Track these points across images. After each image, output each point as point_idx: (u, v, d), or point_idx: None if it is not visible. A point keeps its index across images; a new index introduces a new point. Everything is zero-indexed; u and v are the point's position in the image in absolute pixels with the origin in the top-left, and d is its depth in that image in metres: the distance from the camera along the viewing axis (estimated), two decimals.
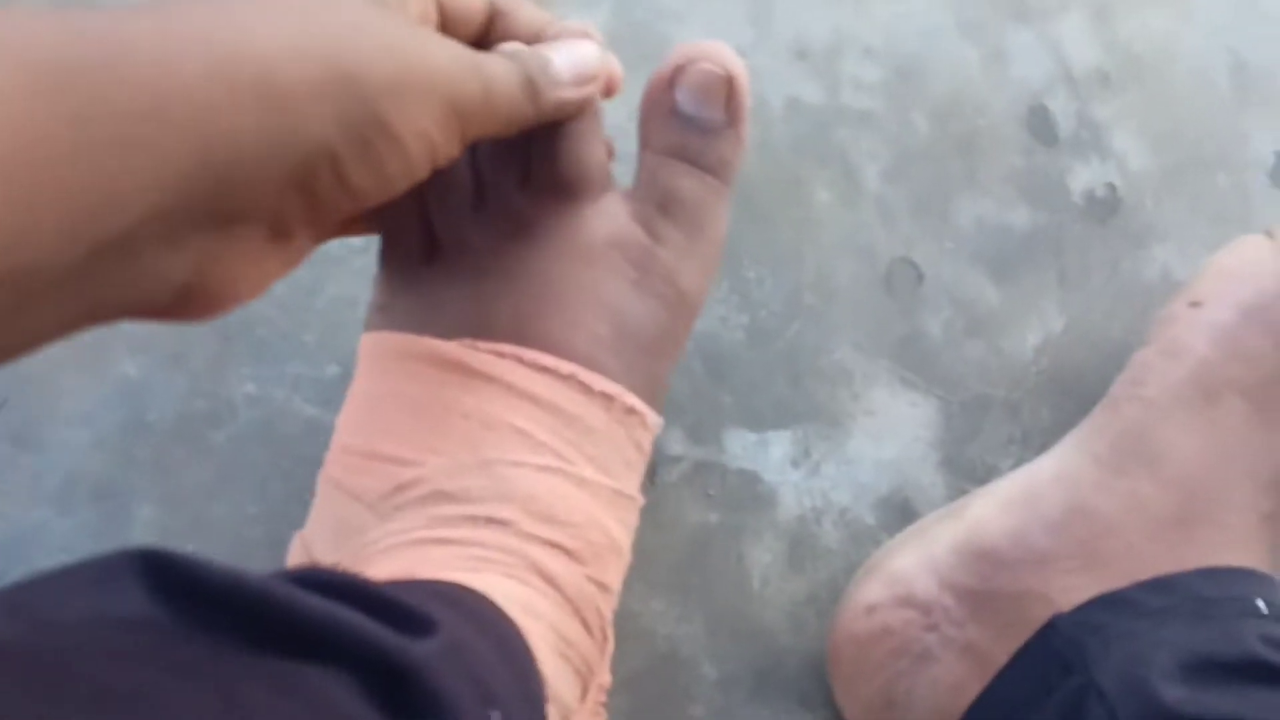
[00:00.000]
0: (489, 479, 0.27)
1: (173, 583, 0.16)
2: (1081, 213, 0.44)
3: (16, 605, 0.14)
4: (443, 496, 0.27)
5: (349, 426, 0.30)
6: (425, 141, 0.22)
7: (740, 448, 0.40)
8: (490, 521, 0.27)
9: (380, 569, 0.26)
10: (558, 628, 0.27)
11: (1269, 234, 0.36)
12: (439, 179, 0.27)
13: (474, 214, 0.30)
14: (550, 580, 0.27)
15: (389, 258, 0.31)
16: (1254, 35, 0.48)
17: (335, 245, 0.39)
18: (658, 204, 0.30)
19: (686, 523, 0.38)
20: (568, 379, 0.28)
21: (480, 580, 0.26)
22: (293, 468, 0.36)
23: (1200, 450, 0.32)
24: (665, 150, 0.30)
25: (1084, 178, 0.45)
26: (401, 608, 0.19)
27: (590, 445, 0.29)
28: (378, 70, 0.20)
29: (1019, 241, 0.44)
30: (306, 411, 0.37)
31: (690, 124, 0.30)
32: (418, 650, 0.18)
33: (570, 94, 0.27)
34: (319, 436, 0.36)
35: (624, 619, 0.37)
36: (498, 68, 0.24)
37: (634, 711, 0.36)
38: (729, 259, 0.41)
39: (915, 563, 0.34)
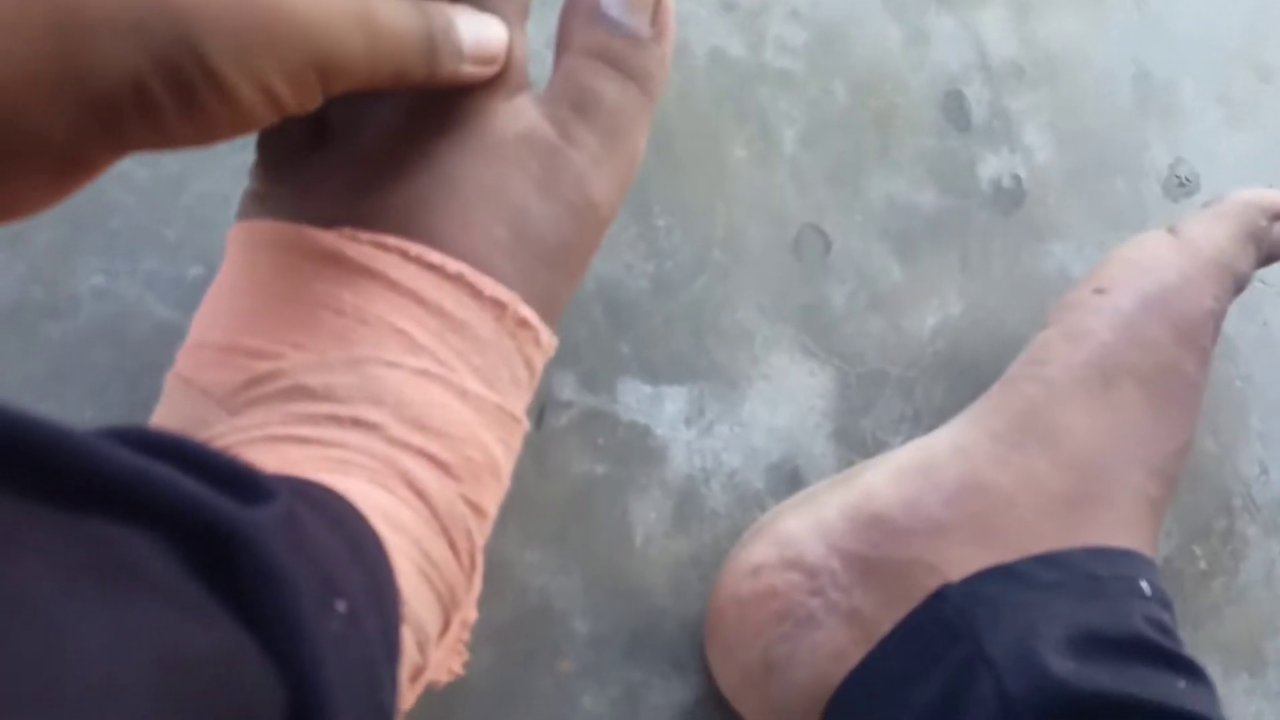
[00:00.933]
0: (358, 377, 0.24)
1: None
2: (988, 201, 0.44)
3: None
4: (304, 392, 0.24)
5: (205, 321, 0.27)
6: (267, 96, 0.20)
7: (634, 399, 0.38)
8: (356, 423, 0.24)
9: None
10: (422, 545, 0.24)
11: (1171, 230, 0.37)
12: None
13: (371, 98, 0.27)
14: (419, 493, 0.24)
15: (268, 141, 0.28)
16: (1158, 50, 0.50)
17: None
18: (573, 104, 0.28)
19: (571, 472, 0.36)
20: (455, 279, 0.26)
21: (340, 484, 0.23)
22: (139, 372, 0.32)
23: (1095, 432, 0.31)
24: (586, 51, 0.28)
25: (993, 166, 0.45)
26: (235, 471, 0.17)
27: (476, 355, 0.26)
28: (211, 9, 0.18)
29: (926, 222, 0.43)
30: (160, 313, 0.33)
31: (616, 29, 0.28)
32: (247, 516, 0.15)
33: (468, 71, 0.25)
34: (172, 341, 0.31)
35: (496, 568, 0.34)
36: (397, 20, 0.22)
37: (499, 664, 0.34)
38: (639, 205, 0.39)
39: (805, 526, 0.33)
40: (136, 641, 0.13)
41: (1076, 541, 0.30)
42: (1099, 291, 0.34)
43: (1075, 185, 0.46)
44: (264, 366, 0.25)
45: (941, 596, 0.29)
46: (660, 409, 0.38)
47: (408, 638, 0.22)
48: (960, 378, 0.41)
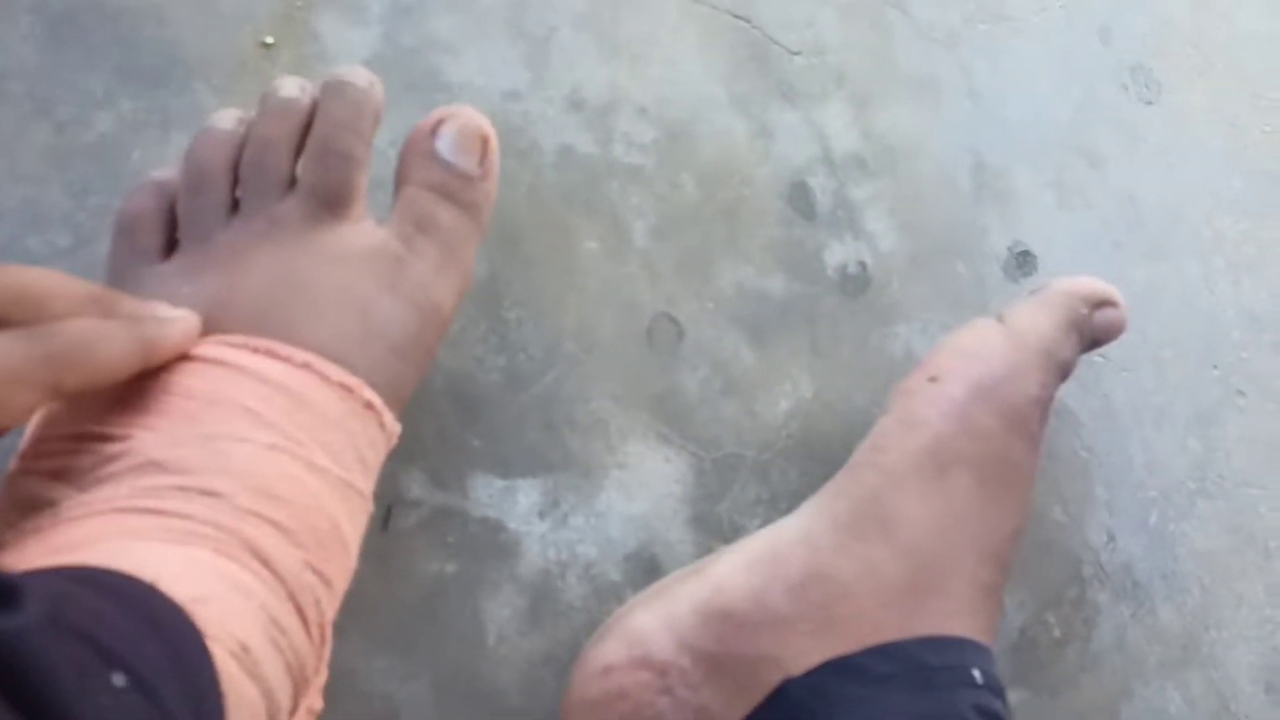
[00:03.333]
0: (207, 452, 0.25)
1: None
2: (835, 286, 0.45)
3: None
4: (154, 466, 0.25)
5: (45, 422, 0.27)
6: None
7: (486, 495, 0.36)
8: (204, 493, 0.24)
9: (59, 538, 0.23)
10: (270, 611, 0.24)
11: (999, 317, 0.37)
12: (191, 183, 0.29)
13: (224, 216, 0.30)
14: (264, 560, 0.25)
15: (120, 253, 0.30)
16: (992, 139, 0.52)
17: (36, 242, 0.34)
18: (416, 223, 0.31)
19: (420, 573, 0.35)
20: (302, 366, 0.27)
21: (183, 554, 0.23)
22: None
23: (931, 519, 0.32)
24: (424, 184, 0.32)
25: (838, 254, 0.46)
26: None
27: (323, 432, 0.27)
28: None
29: (776, 308, 0.43)
30: None
31: (449, 168, 0.31)
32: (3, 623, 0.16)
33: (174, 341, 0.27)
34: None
35: (339, 677, 0.32)
36: (114, 351, 0.24)
37: None
38: (490, 299, 0.39)
39: (655, 622, 0.32)
40: None
41: (913, 630, 0.30)
42: (933, 379, 0.35)
43: (918, 269, 0.47)
44: (115, 448, 0.25)
45: (783, 693, 0.29)
46: (513, 503, 0.37)
47: (252, 695, 0.22)
48: (814, 459, 0.41)
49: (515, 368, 0.38)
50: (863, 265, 0.46)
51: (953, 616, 0.30)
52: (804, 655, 0.30)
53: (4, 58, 0.35)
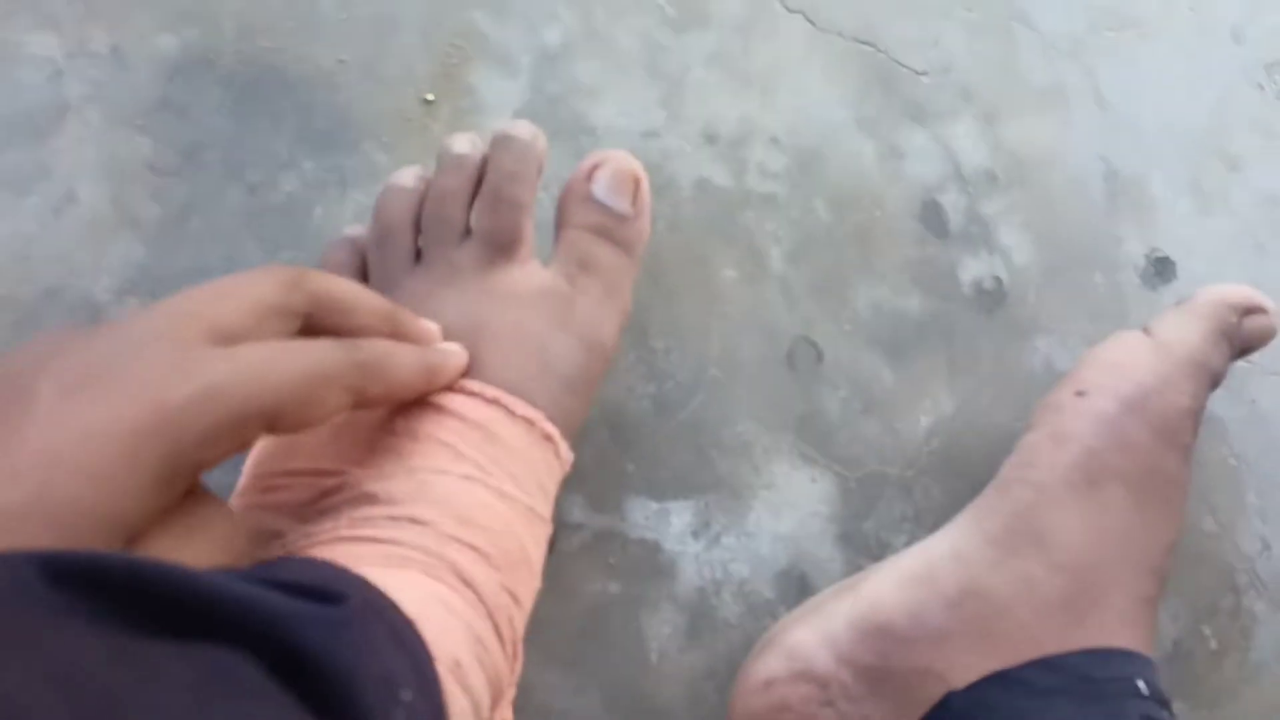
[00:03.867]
0: (412, 484, 0.28)
1: (67, 573, 0.15)
2: (970, 303, 0.45)
3: None
4: (366, 499, 0.27)
5: (262, 459, 0.30)
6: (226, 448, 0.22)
7: (642, 517, 0.38)
8: (412, 521, 0.27)
9: None
10: (474, 629, 0.26)
11: (1146, 329, 0.37)
12: (379, 236, 0.32)
13: (409, 265, 0.33)
14: (467, 581, 0.27)
15: None
16: (1125, 146, 0.51)
17: None
18: (578, 263, 0.33)
19: (585, 592, 0.37)
20: (492, 402, 0.30)
21: (400, 577, 0.25)
22: None
23: (1086, 534, 0.32)
24: (583, 226, 0.34)
25: (973, 270, 0.46)
26: (309, 586, 0.19)
27: (510, 463, 0.29)
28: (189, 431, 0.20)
29: (913, 327, 0.44)
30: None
31: (605, 209, 0.33)
32: (318, 624, 0.18)
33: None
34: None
35: (518, 691, 0.34)
36: (406, 370, 0.27)
37: None
38: (637, 331, 0.41)
39: (813, 637, 0.33)
40: None
41: (1073, 643, 0.30)
42: (1080, 394, 0.35)
43: (1054, 281, 0.47)
44: (331, 482, 0.28)
45: (946, 705, 0.29)
46: (667, 524, 0.38)
47: (463, 706, 0.24)
48: (957, 475, 0.42)
49: (664, 395, 0.40)
50: (998, 280, 0.46)
51: (1112, 629, 0.30)
52: (965, 669, 0.30)
53: (200, 130, 0.39)
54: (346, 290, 0.26)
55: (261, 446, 0.30)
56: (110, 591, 0.16)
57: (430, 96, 0.42)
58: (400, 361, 0.27)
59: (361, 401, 0.25)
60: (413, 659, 0.22)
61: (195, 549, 0.21)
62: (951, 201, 0.47)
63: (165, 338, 0.20)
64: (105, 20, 0.39)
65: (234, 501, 0.29)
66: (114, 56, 0.39)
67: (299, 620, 0.18)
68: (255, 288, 0.24)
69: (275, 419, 0.22)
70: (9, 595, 0.14)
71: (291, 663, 0.17)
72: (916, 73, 0.49)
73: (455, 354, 0.29)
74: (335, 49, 0.41)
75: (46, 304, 0.35)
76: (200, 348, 0.21)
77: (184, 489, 0.21)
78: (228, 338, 0.22)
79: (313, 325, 0.25)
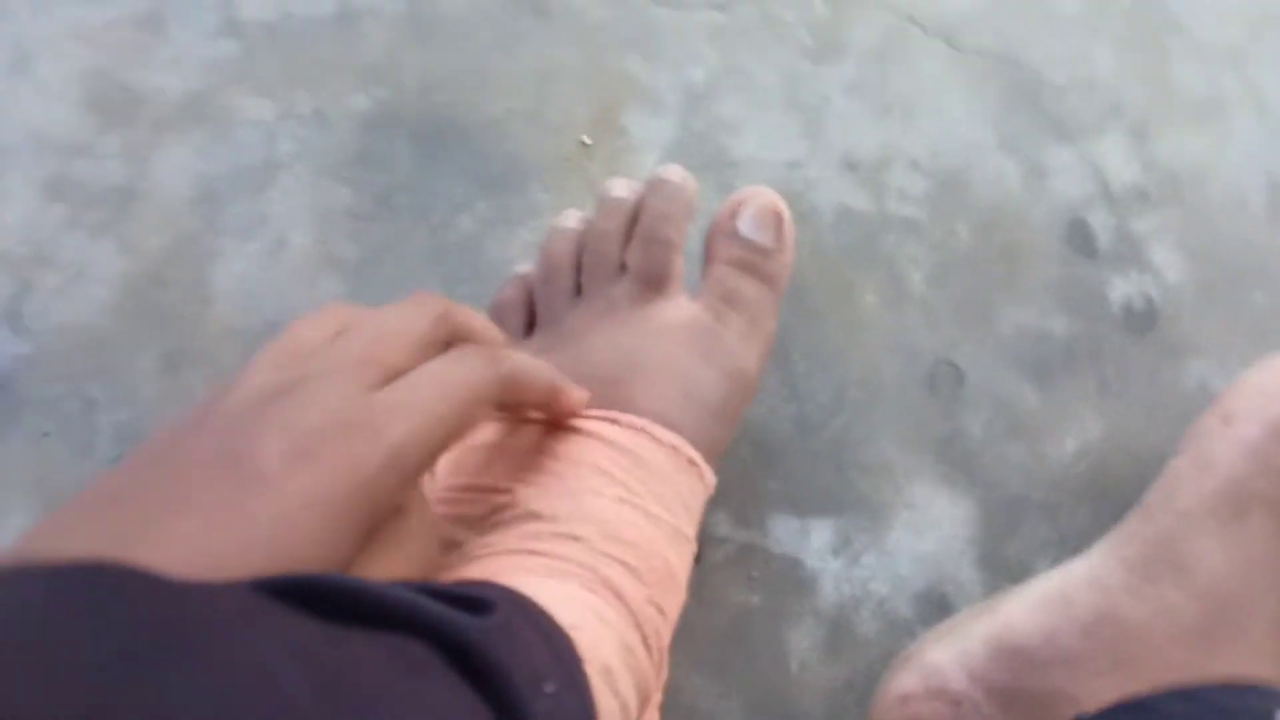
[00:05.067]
0: (572, 503, 0.30)
1: (281, 589, 0.18)
2: (1120, 323, 0.44)
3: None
4: (532, 516, 0.30)
5: (449, 471, 0.33)
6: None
7: (784, 533, 0.40)
8: (570, 538, 0.29)
9: (470, 573, 0.29)
10: (623, 637, 0.28)
11: None
12: (544, 274, 0.36)
13: (571, 300, 0.35)
14: (618, 594, 0.29)
15: None
16: None
17: None
18: (723, 298, 0.35)
19: (729, 603, 0.39)
20: (640, 430, 0.32)
21: (561, 588, 0.28)
22: None
23: (1228, 563, 0.31)
24: (729, 261, 0.35)
25: (1122, 290, 0.45)
26: (469, 596, 0.22)
27: (657, 485, 0.32)
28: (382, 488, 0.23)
29: (1058, 349, 0.44)
30: None
31: (749, 245, 0.35)
32: (477, 626, 0.20)
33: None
34: None
35: (666, 693, 0.37)
36: (537, 381, 0.29)
37: None
38: (780, 353, 0.42)
39: (949, 656, 0.34)
40: (434, 704, 0.18)
41: (1209, 671, 0.29)
42: (1226, 420, 0.34)
43: (1211, 301, 0.45)
44: (502, 499, 0.31)
45: None
46: (808, 541, 0.40)
47: (612, 707, 0.27)
48: (1105, 500, 0.41)
49: (805, 415, 0.42)
50: (1149, 300, 0.45)
51: (1250, 659, 0.30)
52: (1097, 693, 0.30)
53: (390, 177, 0.43)
54: (479, 322, 0.29)
55: (444, 462, 0.34)
56: (317, 600, 0.19)
57: (587, 139, 0.45)
58: (535, 374, 0.29)
59: (501, 408, 0.28)
60: (559, 658, 0.24)
61: (396, 560, 0.24)
62: (1099, 220, 0.46)
63: (351, 397, 0.23)
64: (308, 85, 0.44)
65: None
66: (316, 117, 0.43)
67: (458, 620, 0.21)
68: (414, 325, 0.26)
69: (444, 449, 0.25)
70: (247, 601, 0.17)
71: (455, 651, 0.20)
72: (1062, 89, 0.49)
73: (577, 389, 0.32)
74: (504, 99, 0.45)
75: (268, 335, 0.40)
76: (375, 399, 0.24)
77: (382, 525, 0.24)
78: (396, 374, 0.25)
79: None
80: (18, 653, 0.13)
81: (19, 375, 0.39)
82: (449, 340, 0.27)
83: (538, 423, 0.33)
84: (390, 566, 0.23)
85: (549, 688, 0.22)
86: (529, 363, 0.29)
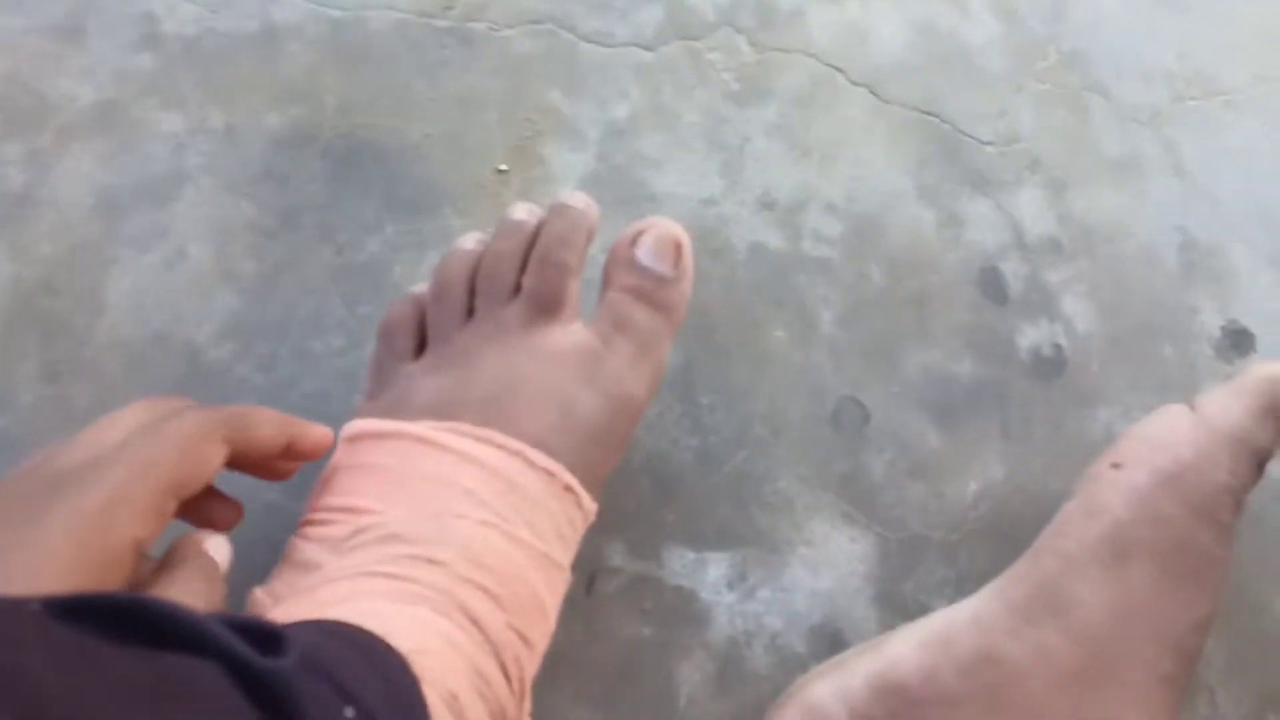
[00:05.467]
0: (435, 527, 0.30)
1: (66, 609, 0.18)
2: (1027, 370, 0.45)
3: None
4: (394, 538, 0.30)
5: (319, 493, 0.33)
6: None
7: (679, 565, 0.39)
8: (429, 561, 0.29)
9: (324, 594, 0.29)
10: (476, 664, 0.28)
11: (1191, 405, 0.36)
12: (437, 294, 0.35)
13: (462, 320, 0.35)
14: (474, 620, 0.28)
15: (381, 354, 0.36)
16: (1203, 217, 0.50)
17: (317, 344, 0.40)
18: (614, 324, 0.34)
19: (620, 634, 0.38)
20: (515, 454, 0.31)
21: (409, 612, 0.27)
22: (253, 543, 0.36)
23: (1108, 607, 0.31)
24: (624, 288, 0.35)
25: (1031, 337, 0.45)
26: (259, 631, 0.21)
27: (528, 511, 0.31)
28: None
29: (964, 392, 0.44)
30: (268, 496, 0.37)
31: (646, 272, 0.35)
32: (269, 662, 0.20)
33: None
34: (280, 519, 0.36)
35: None
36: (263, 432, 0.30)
37: None
38: (685, 385, 0.42)
39: (830, 692, 0.33)
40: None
41: (1084, 717, 0.29)
42: (1116, 466, 0.34)
43: (1120, 352, 0.46)
44: (366, 520, 0.31)
45: None
46: (704, 574, 0.39)
47: None
48: (1003, 542, 0.41)
49: (708, 449, 0.41)
50: (1058, 348, 0.45)
51: (1127, 706, 0.29)
52: None
53: (298, 196, 0.43)
54: (250, 429, 0.30)
55: (317, 486, 0.33)
56: (102, 619, 0.18)
57: (504, 167, 0.45)
58: (260, 418, 0.30)
59: (237, 454, 0.29)
60: (388, 681, 0.23)
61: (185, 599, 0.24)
62: (1013, 269, 0.47)
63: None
64: (222, 101, 0.44)
65: (289, 541, 0.32)
66: (227, 132, 0.43)
67: (244, 650, 0.20)
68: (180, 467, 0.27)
69: (179, 488, 0.26)
70: (18, 624, 0.17)
71: (242, 675, 0.20)
72: (982, 143, 0.50)
73: (317, 426, 0.32)
74: (423, 124, 0.45)
75: (154, 347, 0.40)
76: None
77: (134, 555, 0.25)
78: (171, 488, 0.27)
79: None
80: None
81: None
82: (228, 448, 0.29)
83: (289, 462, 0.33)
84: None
85: (349, 713, 0.21)
86: (251, 409, 0.30)
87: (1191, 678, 0.31)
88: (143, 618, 0.19)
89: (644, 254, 0.35)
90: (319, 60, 0.46)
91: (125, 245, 0.41)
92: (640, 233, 0.35)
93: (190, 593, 0.25)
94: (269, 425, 0.30)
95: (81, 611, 0.18)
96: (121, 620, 0.18)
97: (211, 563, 0.28)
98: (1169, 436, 0.34)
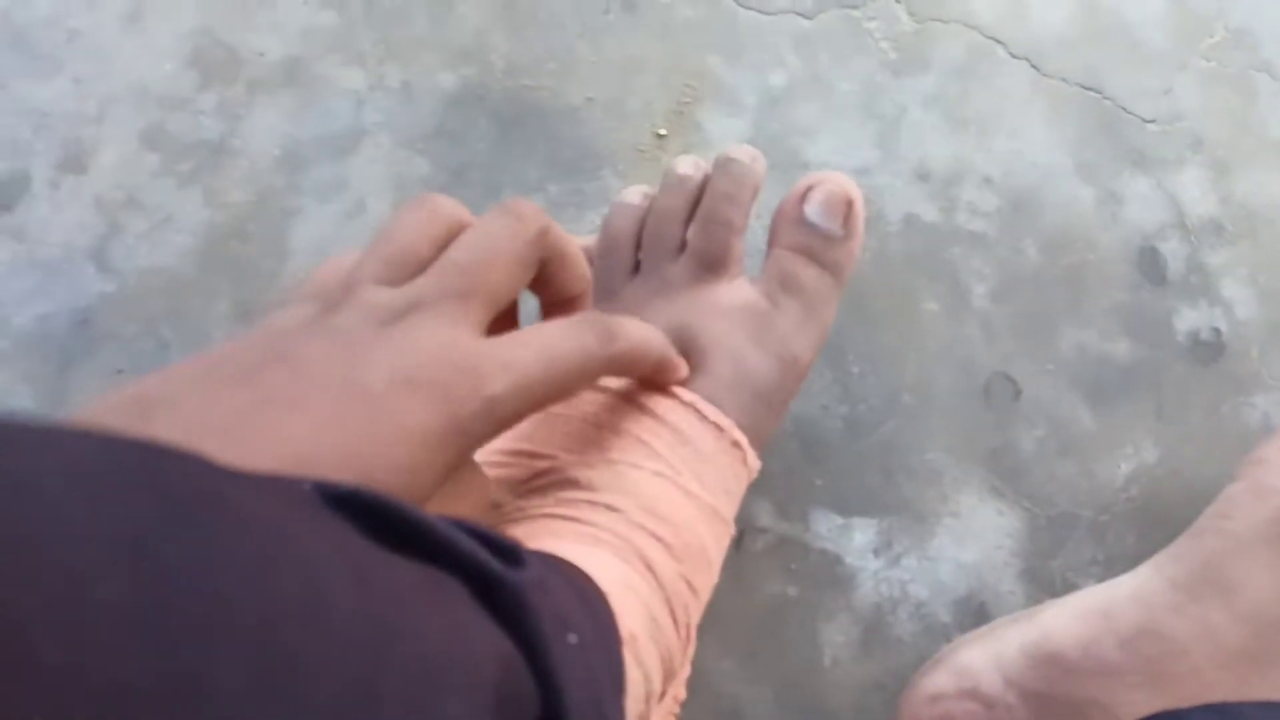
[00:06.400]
0: (610, 474, 0.30)
1: (335, 498, 0.19)
2: (1184, 352, 0.44)
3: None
4: (570, 483, 0.30)
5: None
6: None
7: (825, 529, 0.40)
8: (607, 508, 0.30)
9: (507, 533, 0.29)
10: (651, 609, 0.28)
11: None
12: (604, 248, 0.35)
13: (628, 276, 0.35)
14: (649, 566, 0.29)
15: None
16: None
17: None
18: (781, 284, 0.34)
19: (766, 592, 0.39)
20: (688, 406, 0.32)
21: (592, 554, 0.28)
22: None
23: (1276, 589, 0.30)
24: (792, 247, 0.35)
25: (1190, 320, 0.44)
26: (504, 547, 0.22)
27: (698, 464, 0.31)
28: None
29: (1119, 372, 0.43)
30: None
31: (814, 230, 0.34)
32: (510, 574, 0.21)
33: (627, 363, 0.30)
34: None
35: (695, 674, 0.37)
36: (570, 356, 0.27)
37: None
38: (835, 352, 0.42)
39: (983, 658, 0.33)
40: (466, 632, 0.18)
41: (1248, 695, 0.29)
42: None
43: (1279, 340, 0.44)
44: (542, 464, 0.31)
45: None
46: (850, 539, 0.40)
47: (636, 677, 0.27)
48: (1154, 525, 0.40)
49: (856, 416, 0.42)
50: (1217, 332, 0.44)
51: None
52: (1133, 705, 0.30)
53: (468, 153, 0.44)
54: (572, 247, 0.29)
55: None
56: (366, 516, 0.19)
57: (663, 131, 0.45)
58: (644, 352, 0.29)
59: (537, 271, 0.28)
60: (593, 616, 0.24)
61: (458, 508, 0.25)
62: (1172, 250, 0.46)
63: (459, 339, 0.24)
64: (400, 59, 0.46)
65: None
66: (404, 90, 0.45)
67: (491, 562, 0.21)
68: (514, 245, 0.26)
69: (537, 410, 0.26)
70: (305, 500, 0.18)
71: (486, 588, 0.20)
72: (1144, 120, 0.48)
73: (680, 361, 0.32)
74: (585, 88, 0.46)
75: None
76: (483, 348, 0.24)
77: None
78: (498, 303, 0.26)
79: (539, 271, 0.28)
80: (65, 494, 0.13)
81: (101, 312, 0.41)
82: (543, 259, 0.28)
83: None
84: (450, 511, 0.24)
85: (572, 638, 0.22)
86: (640, 340, 0.29)
87: None
88: (401, 521, 0.19)
89: (813, 210, 0.34)
90: (488, 22, 0.47)
91: (308, 195, 0.43)
92: (810, 188, 0.35)
93: (470, 504, 0.26)
94: (647, 363, 0.29)
95: (345, 502, 0.19)
96: (375, 518, 0.19)
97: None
98: None
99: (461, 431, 0.23)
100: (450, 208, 0.27)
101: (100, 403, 0.21)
